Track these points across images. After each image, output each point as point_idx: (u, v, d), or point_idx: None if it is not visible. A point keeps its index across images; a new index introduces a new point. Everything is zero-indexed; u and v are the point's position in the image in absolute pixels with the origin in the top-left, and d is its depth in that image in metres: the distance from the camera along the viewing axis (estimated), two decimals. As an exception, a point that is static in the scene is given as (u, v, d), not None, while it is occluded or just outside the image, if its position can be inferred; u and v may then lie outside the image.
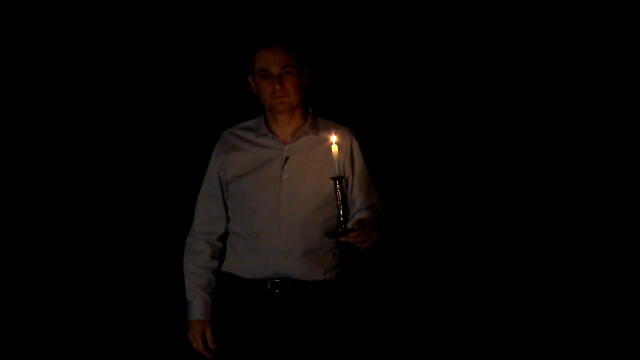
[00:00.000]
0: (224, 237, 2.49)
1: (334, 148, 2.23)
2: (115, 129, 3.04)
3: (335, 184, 2.21)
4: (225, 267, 2.43)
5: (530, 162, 2.90)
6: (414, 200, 2.93)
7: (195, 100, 3.02)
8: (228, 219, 2.45)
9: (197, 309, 2.45)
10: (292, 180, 2.37)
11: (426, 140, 2.98)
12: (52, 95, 3.07)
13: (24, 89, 3.07)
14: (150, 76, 3.02)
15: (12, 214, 3.11)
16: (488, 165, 2.96)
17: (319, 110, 2.47)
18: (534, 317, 2.88)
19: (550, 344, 2.88)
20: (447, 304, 2.94)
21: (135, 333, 3.05)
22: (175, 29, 2.99)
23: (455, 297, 2.92)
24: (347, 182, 2.39)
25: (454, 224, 2.95)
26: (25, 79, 3.06)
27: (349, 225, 2.23)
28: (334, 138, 2.24)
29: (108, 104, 3.05)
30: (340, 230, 2.22)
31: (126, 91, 3.03)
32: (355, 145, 2.43)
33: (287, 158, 2.38)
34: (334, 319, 2.41)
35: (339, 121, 2.45)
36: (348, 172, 2.40)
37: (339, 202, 2.22)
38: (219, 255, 2.48)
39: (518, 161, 2.91)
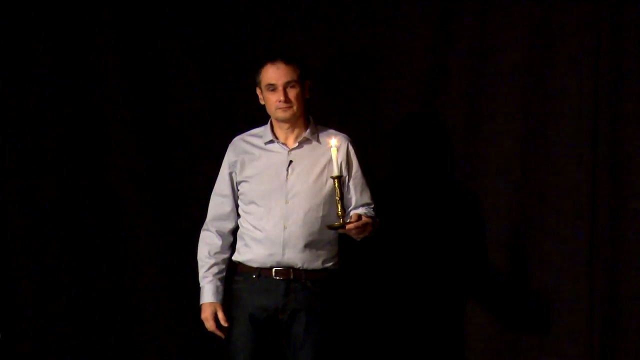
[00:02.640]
0: (234, 231, 2.81)
1: (334, 151, 2.60)
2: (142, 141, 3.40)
3: (335, 183, 2.57)
4: (236, 257, 2.76)
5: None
6: (401, 199, 3.28)
7: (208, 110, 3.38)
8: (238, 215, 2.78)
9: (209, 293, 2.77)
10: (295, 181, 2.71)
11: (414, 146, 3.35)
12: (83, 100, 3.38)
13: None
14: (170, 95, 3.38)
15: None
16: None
17: (320, 119, 2.83)
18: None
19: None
20: (426, 291, 3.29)
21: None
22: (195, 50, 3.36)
23: (431, 284, 3.28)
24: (344, 182, 2.73)
25: (436, 222, 3.29)
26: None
27: (347, 219, 2.59)
28: (333, 142, 2.62)
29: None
30: (339, 224, 2.58)
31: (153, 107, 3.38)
32: (351, 150, 2.77)
33: (291, 161, 2.72)
34: (332, 303, 2.77)
35: (336, 129, 2.81)
36: (345, 173, 2.73)
37: (337, 199, 2.59)
38: (230, 247, 2.80)
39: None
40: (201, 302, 2.78)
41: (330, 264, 2.76)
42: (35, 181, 3.40)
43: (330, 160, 2.65)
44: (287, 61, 2.73)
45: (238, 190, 2.80)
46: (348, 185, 2.77)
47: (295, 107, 2.72)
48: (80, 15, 3.36)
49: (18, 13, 3.37)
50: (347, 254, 2.89)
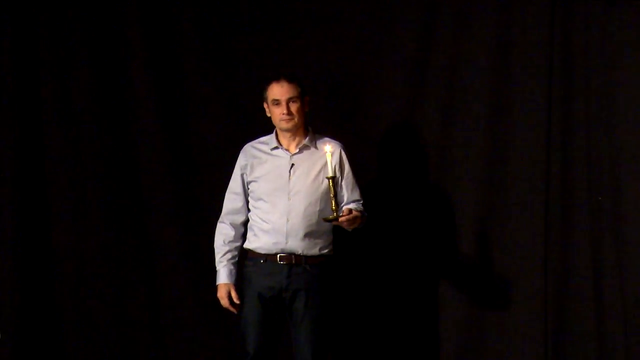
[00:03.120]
0: (245, 223, 3.25)
1: (328, 155, 3.05)
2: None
3: (329, 182, 3.02)
4: (247, 245, 3.21)
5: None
6: (385, 197, 3.73)
7: (224, 122, 3.83)
8: (248, 210, 3.22)
9: (223, 275, 3.21)
10: (296, 181, 3.16)
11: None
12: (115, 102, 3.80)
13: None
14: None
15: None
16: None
17: (317, 129, 3.27)
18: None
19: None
20: (406, 273, 3.70)
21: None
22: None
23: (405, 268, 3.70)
24: (338, 181, 3.17)
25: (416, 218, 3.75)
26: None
27: (340, 212, 3.04)
28: (328, 148, 3.08)
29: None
30: (333, 217, 3.03)
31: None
32: (343, 155, 3.21)
33: (293, 164, 3.17)
34: (323, 281, 3.20)
35: (331, 137, 3.25)
36: (338, 174, 3.16)
37: (332, 196, 3.04)
38: (241, 236, 3.24)
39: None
40: (217, 283, 3.22)
41: (326, 250, 3.19)
42: (80, 182, 3.84)
43: (326, 163, 3.07)
44: (290, 80, 3.16)
45: (248, 188, 3.23)
46: (341, 185, 3.20)
47: (296, 119, 3.15)
48: (114, 35, 3.83)
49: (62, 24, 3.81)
50: (340, 243, 3.32)
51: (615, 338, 3.48)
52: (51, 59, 3.85)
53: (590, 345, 3.54)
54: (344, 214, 3.06)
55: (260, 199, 3.19)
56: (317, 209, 3.16)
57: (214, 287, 3.24)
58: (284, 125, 3.15)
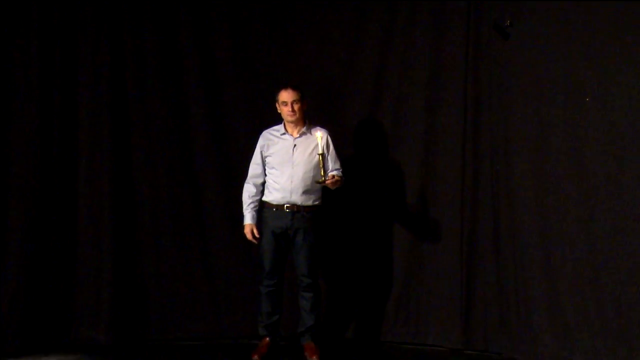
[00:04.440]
0: (263, 184, 4.54)
1: (319, 138, 4.33)
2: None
3: (319, 157, 4.30)
4: (264, 198, 4.53)
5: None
6: (357, 168, 4.90)
7: (251, 117, 4.96)
8: (265, 175, 4.55)
9: (248, 218, 4.53)
10: (297, 156, 4.47)
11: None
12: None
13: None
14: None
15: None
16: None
17: (312, 121, 4.58)
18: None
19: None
20: (372, 220, 4.91)
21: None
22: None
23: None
24: (326, 156, 4.42)
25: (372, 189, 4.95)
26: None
27: (327, 177, 4.35)
28: (319, 133, 4.38)
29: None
30: (322, 180, 4.33)
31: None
32: (329, 138, 4.51)
33: (295, 145, 4.49)
34: (316, 222, 4.51)
35: (321, 126, 4.54)
36: (325, 151, 4.44)
37: (321, 166, 4.32)
38: (260, 193, 4.54)
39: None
40: (244, 224, 4.54)
41: (317, 202, 4.53)
42: (156, 173, 4.92)
43: (317, 144, 4.34)
44: (294, 88, 4.47)
45: (265, 160, 4.53)
46: (327, 158, 4.47)
47: (297, 115, 4.46)
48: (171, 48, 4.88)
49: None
50: (327, 197, 4.59)
51: (508, 272, 4.61)
52: (135, 66, 4.83)
53: (492, 278, 4.73)
54: (329, 178, 4.36)
55: (273, 168, 4.53)
56: (311, 174, 4.47)
57: (242, 227, 4.57)
58: (289, 118, 4.48)
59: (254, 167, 4.62)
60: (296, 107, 4.49)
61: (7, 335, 4.51)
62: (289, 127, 4.56)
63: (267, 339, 4.64)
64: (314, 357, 4.56)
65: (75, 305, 4.84)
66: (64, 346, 4.73)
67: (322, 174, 4.36)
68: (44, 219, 4.69)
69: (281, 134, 4.57)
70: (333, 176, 4.42)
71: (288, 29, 5.06)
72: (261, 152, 4.61)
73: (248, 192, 4.61)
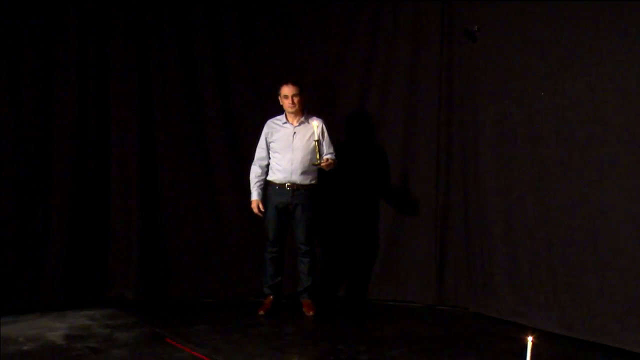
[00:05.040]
0: (267, 165, 5.15)
1: (315, 127, 4.95)
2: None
3: (315, 143, 4.93)
4: (268, 178, 5.17)
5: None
6: (347, 152, 5.53)
7: (259, 107, 5.58)
8: (269, 158, 5.18)
9: (254, 194, 5.18)
10: (297, 142, 5.11)
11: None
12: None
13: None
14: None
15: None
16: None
17: (309, 111, 5.19)
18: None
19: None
20: (361, 196, 5.54)
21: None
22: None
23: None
24: (321, 142, 5.07)
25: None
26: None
27: (322, 160, 4.99)
28: (315, 122, 5.00)
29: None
30: (317, 163, 4.96)
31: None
32: (324, 126, 5.15)
33: (294, 132, 5.13)
34: (312, 198, 5.14)
35: (317, 116, 5.16)
36: (321, 138, 5.09)
37: (317, 151, 4.95)
38: (265, 173, 5.15)
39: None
40: (251, 199, 5.19)
41: (314, 181, 5.16)
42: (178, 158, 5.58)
43: (314, 132, 4.95)
44: (294, 83, 5.09)
45: (269, 145, 5.17)
46: (322, 144, 5.10)
47: (297, 107, 5.09)
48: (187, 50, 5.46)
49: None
50: (322, 177, 5.21)
51: (475, 240, 5.17)
52: (176, 66, 5.44)
53: (461, 245, 5.29)
54: (324, 161, 4.98)
55: (276, 152, 5.16)
56: (308, 158, 5.10)
57: (250, 202, 5.24)
58: (290, 110, 5.12)
59: (260, 151, 5.26)
60: (296, 100, 5.11)
61: (54, 292, 5.26)
62: (290, 117, 5.19)
63: (271, 297, 5.30)
64: (311, 312, 5.22)
65: (109, 268, 5.54)
66: (100, 302, 5.45)
67: (318, 157, 4.99)
68: (82, 192, 5.38)
69: (283, 123, 5.19)
70: (327, 159, 5.03)
71: (289, 33, 5.67)
72: (265, 138, 5.24)
73: (254, 172, 5.25)
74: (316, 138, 4.92)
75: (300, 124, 5.17)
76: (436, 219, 5.51)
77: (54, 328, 4.86)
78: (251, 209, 5.25)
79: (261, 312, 5.22)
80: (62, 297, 5.29)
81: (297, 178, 5.12)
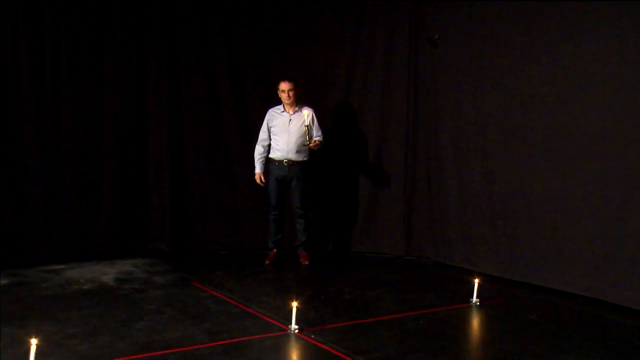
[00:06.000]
0: (269, 145, 6.21)
1: (306, 114, 6.05)
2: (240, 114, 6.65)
3: (306, 128, 6.04)
4: (269, 156, 6.27)
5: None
6: (332, 136, 6.60)
7: (263, 98, 6.59)
8: (270, 139, 6.28)
9: (257, 167, 6.27)
10: (292, 127, 6.21)
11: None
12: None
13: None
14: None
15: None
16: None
17: (302, 101, 6.27)
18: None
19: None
20: (343, 172, 6.54)
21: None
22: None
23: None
24: (311, 127, 6.11)
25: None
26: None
27: (311, 142, 6.11)
28: (306, 111, 6.10)
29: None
30: (308, 143, 6.09)
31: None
32: (314, 114, 6.19)
33: (290, 119, 6.24)
34: (305, 171, 6.23)
35: (308, 105, 6.20)
36: (311, 124, 6.14)
37: (307, 134, 6.08)
38: (267, 151, 6.22)
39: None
40: (255, 172, 6.27)
41: (306, 158, 6.24)
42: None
43: (304, 119, 5.99)
44: (290, 80, 6.16)
45: (270, 129, 6.25)
46: (312, 128, 6.13)
47: (292, 99, 6.15)
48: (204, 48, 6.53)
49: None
50: (313, 155, 6.28)
51: (435, 203, 6.20)
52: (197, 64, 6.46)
53: (425, 207, 6.31)
54: (313, 142, 6.06)
55: (275, 135, 6.27)
56: (301, 140, 6.19)
57: (254, 174, 6.33)
58: (286, 101, 6.21)
59: (262, 134, 6.36)
60: (291, 93, 6.19)
61: (106, 245, 6.56)
62: (287, 107, 6.28)
63: (275, 250, 6.45)
64: (306, 262, 6.36)
65: (148, 227, 6.74)
66: (141, 253, 6.64)
67: (308, 139, 6.07)
68: (126, 167, 6.59)
69: (281, 112, 6.29)
70: (315, 141, 6.12)
71: (287, 42, 6.70)
72: (267, 123, 6.34)
73: (257, 150, 6.36)
74: (306, 124, 5.98)
75: (295, 112, 6.26)
76: (405, 189, 6.55)
77: (106, 272, 6.01)
78: (255, 181, 6.37)
79: (267, 262, 6.33)
80: (112, 249, 6.54)
81: (292, 156, 6.20)
